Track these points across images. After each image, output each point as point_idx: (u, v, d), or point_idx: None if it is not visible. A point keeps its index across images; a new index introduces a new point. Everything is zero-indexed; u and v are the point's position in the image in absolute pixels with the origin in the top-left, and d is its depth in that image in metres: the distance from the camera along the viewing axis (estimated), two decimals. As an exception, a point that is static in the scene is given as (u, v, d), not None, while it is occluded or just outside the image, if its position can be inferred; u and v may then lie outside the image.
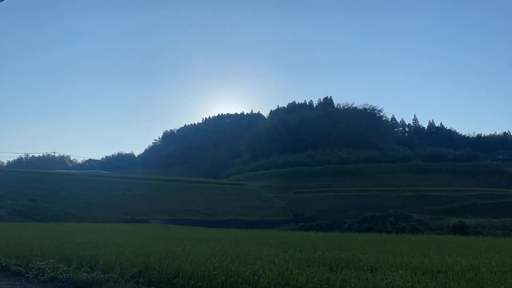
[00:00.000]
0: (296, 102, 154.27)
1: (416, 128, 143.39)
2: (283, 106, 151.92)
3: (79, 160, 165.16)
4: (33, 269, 8.24)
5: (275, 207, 56.14)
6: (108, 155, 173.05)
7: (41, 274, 7.92)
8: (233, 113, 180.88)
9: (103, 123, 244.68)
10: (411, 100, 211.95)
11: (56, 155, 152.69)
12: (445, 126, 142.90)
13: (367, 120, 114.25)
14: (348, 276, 6.69)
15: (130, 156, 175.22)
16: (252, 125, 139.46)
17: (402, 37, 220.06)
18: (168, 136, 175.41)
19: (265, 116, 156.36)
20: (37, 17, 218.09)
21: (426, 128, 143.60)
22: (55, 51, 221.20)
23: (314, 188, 66.11)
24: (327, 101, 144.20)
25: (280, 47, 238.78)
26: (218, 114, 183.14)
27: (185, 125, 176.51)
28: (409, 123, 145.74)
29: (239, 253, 9.75)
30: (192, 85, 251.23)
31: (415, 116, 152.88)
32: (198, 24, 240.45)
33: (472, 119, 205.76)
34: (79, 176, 63.43)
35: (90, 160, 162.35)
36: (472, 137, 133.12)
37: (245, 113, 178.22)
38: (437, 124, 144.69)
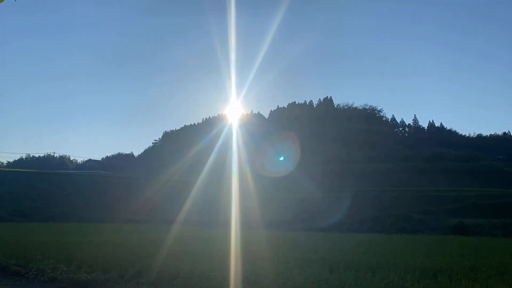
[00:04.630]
0: (296, 102, 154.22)
1: (416, 128, 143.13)
2: (283, 106, 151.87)
3: (79, 160, 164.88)
4: (33, 269, 8.24)
5: (275, 206, 56.07)
6: (108, 155, 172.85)
7: (41, 274, 7.92)
8: (233, 113, 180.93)
9: (103, 123, 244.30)
10: (411, 100, 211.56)
11: (56, 155, 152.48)
12: (445, 126, 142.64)
13: (367, 120, 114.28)
14: (348, 277, 6.68)
15: (130, 156, 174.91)
16: (251, 125, 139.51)
17: (402, 37, 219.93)
18: (168, 136, 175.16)
19: (265, 116, 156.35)
20: (38, 16, 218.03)
21: (426, 128, 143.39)
22: (56, 51, 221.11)
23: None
24: (327, 101, 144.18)
25: (280, 47, 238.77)
26: (218, 114, 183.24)
27: (185, 125, 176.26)
28: (409, 123, 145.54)
29: (238, 253, 9.75)
30: (192, 85, 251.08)
31: (415, 116, 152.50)
32: (198, 24, 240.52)
33: (472, 119, 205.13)
34: (79, 177, 63.40)
35: (90, 160, 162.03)
36: (472, 137, 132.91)
37: (245, 113, 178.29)
38: (437, 124, 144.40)
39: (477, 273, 7.42)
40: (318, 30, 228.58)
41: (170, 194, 55.15)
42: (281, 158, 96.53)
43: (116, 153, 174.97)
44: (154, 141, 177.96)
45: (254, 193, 63.43)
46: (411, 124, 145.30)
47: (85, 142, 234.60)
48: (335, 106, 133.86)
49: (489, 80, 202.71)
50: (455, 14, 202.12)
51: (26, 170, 72.64)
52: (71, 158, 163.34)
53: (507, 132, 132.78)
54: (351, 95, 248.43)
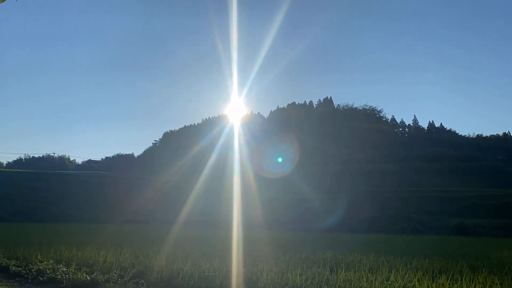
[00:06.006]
0: (296, 102, 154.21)
1: (416, 129, 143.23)
2: (283, 107, 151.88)
3: (79, 160, 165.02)
4: (32, 270, 8.24)
5: (276, 207, 56.08)
6: (108, 156, 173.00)
7: (41, 275, 7.91)
8: (234, 113, 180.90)
9: (103, 124, 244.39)
10: (411, 100, 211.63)
11: (56, 155, 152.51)
12: (445, 127, 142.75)
13: (367, 120, 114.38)
14: (348, 277, 6.68)
15: (130, 157, 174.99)
16: (251, 125, 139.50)
17: (402, 37, 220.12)
18: (168, 136, 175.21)
19: (265, 117, 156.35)
20: (39, 16, 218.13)
21: (426, 128, 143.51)
22: (56, 51, 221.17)
23: (314, 189, 66.02)
24: (327, 101, 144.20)
25: (280, 48, 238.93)
26: (218, 114, 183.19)
27: (185, 125, 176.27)
28: (409, 123, 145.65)
29: (239, 254, 9.75)
30: (192, 85, 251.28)
31: (415, 117, 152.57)
32: (199, 25, 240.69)
33: (472, 119, 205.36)
34: (79, 177, 63.41)
35: (90, 161, 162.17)
36: (472, 137, 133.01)
37: (245, 113, 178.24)
38: (437, 124, 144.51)
39: (477, 273, 7.41)
40: (319, 30, 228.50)
41: (170, 194, 55.17)
42: (280, 159, 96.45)
43: (116, 153, 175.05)
44: (154, 142, 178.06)
45: (254, 193, 63.41)
46: (411, 124, 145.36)
47: (85, 142, 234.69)
48: (335, 106, 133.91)
49: (489, 80, 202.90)
50: (456, 14, 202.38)
51: (26, 170, 72.68)
52: (71, 159, 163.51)
53: (507, 132, 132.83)
54: (351, 95, 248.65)
